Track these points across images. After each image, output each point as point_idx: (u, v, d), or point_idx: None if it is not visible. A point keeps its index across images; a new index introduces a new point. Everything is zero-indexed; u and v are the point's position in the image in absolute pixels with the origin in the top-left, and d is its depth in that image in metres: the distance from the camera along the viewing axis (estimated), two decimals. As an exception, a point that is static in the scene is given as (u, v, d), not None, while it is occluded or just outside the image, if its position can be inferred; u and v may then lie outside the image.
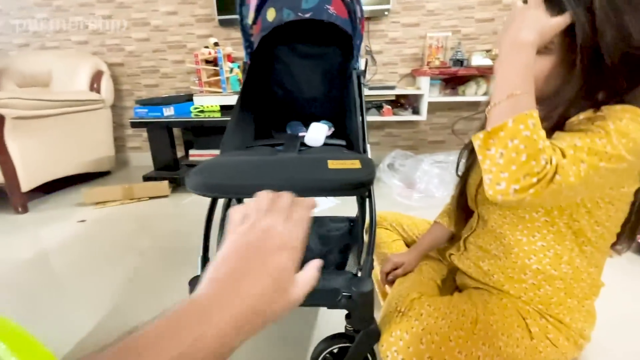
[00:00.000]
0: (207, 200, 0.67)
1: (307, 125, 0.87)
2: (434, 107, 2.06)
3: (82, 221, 1.47)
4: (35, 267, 1.16)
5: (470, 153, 0.72)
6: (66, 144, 1.77)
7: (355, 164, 0.60)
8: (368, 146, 0.77)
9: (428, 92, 1.83)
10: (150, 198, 1.71)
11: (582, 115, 0.49)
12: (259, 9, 0.90)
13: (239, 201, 0.77)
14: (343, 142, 0.83)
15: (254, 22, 0.93)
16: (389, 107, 1.90)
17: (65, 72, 1.95)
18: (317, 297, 0.54)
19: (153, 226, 1.45)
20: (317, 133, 0.83)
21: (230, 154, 0.73)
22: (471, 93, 1.88)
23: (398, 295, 0.66)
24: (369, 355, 0.65)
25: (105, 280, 1.06)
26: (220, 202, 0.74)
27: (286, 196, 0.31)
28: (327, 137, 0.84)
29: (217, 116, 1.74)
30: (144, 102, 1.72)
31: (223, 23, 2.02)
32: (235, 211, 0.29)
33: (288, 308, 0.26)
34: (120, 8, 2.06)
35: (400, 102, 2.00)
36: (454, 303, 0.62)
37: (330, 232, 0.89)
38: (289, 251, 0.27)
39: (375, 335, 0.60)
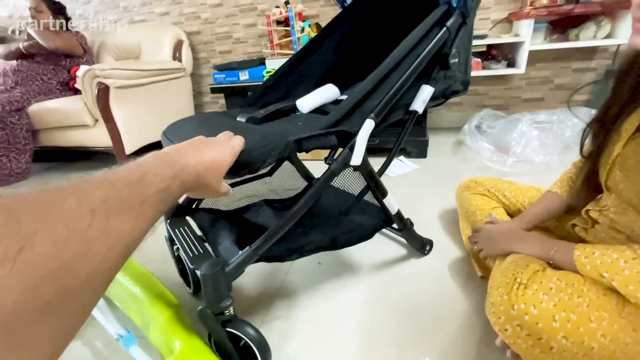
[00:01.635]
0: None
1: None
2: (534, 58, 1.75)
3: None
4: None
5: (599, 132, 0.58)
6: (156, 111, 1.93)
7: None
8: (368, 123, 0.62)
9: (530, 39, 1.54)
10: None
11: None
12: None
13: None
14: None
15: None
16: (478, 59, 1.66)
17: (151, 44, 2.09)
18: None
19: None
20: (311, 97, 0.73)
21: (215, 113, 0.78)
22: (588, 37, 1.53)
23: (514, 266, 0.57)
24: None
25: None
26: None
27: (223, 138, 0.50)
28: None
29: (289, 79, 1.71)
30: (221, 68, 1.76)
31: (293, -21, 1.92)
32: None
33: (216, 189, 0.44)
34: (195, -26, 2.08)
35: (491, 54, 1.73)
36: (590, 281, 0.52)
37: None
38: (225, 155, 0.45)
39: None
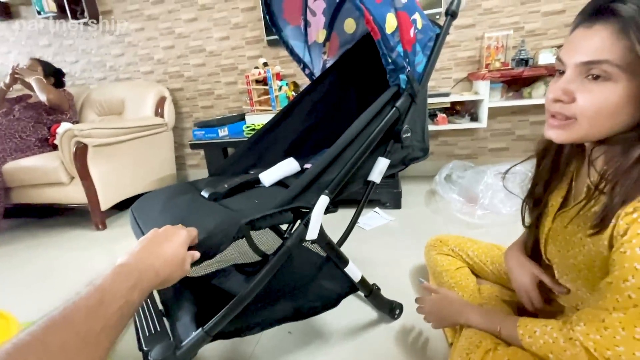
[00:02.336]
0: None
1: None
2: (494, 112, 1.89)
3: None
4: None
5: (533, 207, 0.63)
6: (136, 166, 1.94)
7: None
8: (322, 199, 0.64)
9: (488, 97, 1.68)
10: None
11: None
12: (332, 23, 0.88)
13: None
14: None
15: (327, 39, 0.91)
16: (444, 115, 1.79)
17: (135, 101, 2.16)
18: None
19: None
20: (273, 171, 0.78)
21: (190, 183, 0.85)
22: (539, 95, 1.68)
23: (468, 344, 0.58)
24: None
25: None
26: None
27: (176, 227, 0.51)
28: None
29: (268, 134, 1.78)
30: (201, 125, 1.82)
31: (271, 43, 2.08)
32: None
33: (180, 275, 0.47)
34: (180, 38, 2.23)
35: (455, 109, 1.87)
36: (539, 358, 0.52)
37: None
38: (180, 243, 0.47)
39: None
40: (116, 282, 0.36)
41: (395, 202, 1.64)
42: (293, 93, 1.97)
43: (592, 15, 0.43)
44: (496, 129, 1.96)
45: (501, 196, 1.44)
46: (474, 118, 1.82)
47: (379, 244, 1.33)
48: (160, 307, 0.74)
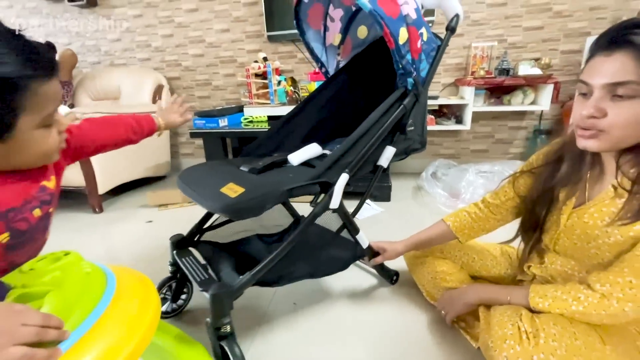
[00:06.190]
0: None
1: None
2: (477, 116, 2.06)
3: (150, 222, 1.64)
4: (110, 261, 1.32)
5: (540, 197, 0.69)
6: (132, 152, 1.95)
7: (239, 190, 0.68)
8: (343, 176, 0.77)
9: (472, 101, 1.84)
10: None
11: None
12: (347, 29, 1.00)
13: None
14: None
15: (342, 42, 1.03)
16: (432, 116, 1.93)
17: (131, 87, 2.17)
18: None
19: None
20: (300, 153, 0.92)
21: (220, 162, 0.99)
22: (517, 102, 1.86)
23: (509, 313, 0.62)
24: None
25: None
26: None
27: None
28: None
29: (265, 126, 1.86)
30: (202, 114, 1.88)
31: (271, 39, 2.15)
32: None
33: None
34: (179, 28, 2.25)
35: (443, 112, 2.02)
36: (571, 322, 0.58)
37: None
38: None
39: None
40: None
41: (385, 195, 1.77)
42: (291, 88, 2.05)
43: (609, 44, 0.51)
44: (478, 131, 2.13)
45: (481, 192, 1.60)
46: (459, 120, 1.98)
47: (370, 231, 1.43)
48: (203, 262, 0.86)
